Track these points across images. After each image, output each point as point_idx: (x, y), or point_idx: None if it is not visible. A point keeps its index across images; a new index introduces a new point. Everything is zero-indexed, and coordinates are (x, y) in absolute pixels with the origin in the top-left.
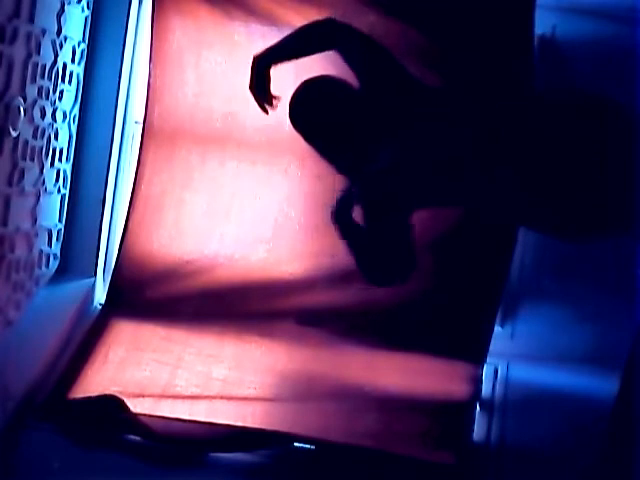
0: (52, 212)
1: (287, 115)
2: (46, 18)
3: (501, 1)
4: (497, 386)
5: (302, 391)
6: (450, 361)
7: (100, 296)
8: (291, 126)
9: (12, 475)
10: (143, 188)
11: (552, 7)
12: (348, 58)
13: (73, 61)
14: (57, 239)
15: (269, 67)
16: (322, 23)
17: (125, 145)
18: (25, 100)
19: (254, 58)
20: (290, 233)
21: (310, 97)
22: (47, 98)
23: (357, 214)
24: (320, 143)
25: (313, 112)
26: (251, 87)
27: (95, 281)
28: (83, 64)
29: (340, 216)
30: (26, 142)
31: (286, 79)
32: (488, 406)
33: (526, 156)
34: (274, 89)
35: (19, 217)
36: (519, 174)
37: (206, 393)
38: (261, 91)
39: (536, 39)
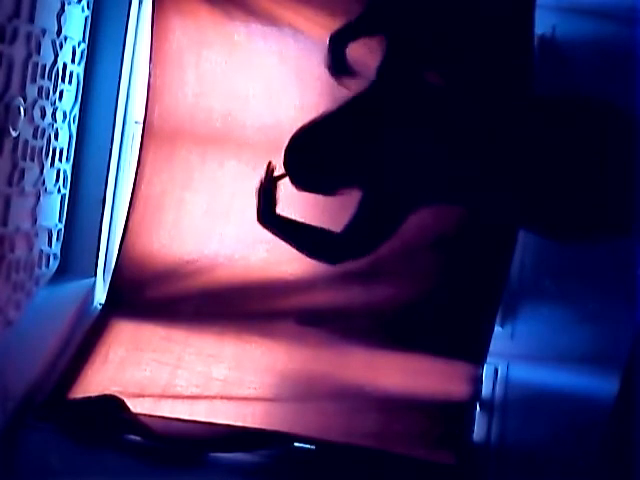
0: (52, 212)
1: (287, 115)
2: (46, 18)
3: (501, 1)
4: (497, 386)
5: (302, 391)
6: (450, 361)
7: (100, 296)
8: (291, 126)
9: (12, 475)
10: (143, 188)
11: (552, 7)
12: (391, 44)
13: (73, 61)
14: (57, 239)
15: (345, 45)
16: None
17: (125, 145)
18: (25, 100)
19: (330, 37)
20: None
21: (297, 160)
22: (47, 98)
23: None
24: (331, 184)
25: (307, 173)
26: (330, 67)
27: (95, 281)
28: (83, 64)
29: (268, 217)
30: (26, 142)
31: (287, 83)
32: (488, 406)
33: (526, 157)
34: (278, 93)
35: (19, 217)
36: (519, 174)
37: (206, 393)
38: (339, 67)
39: (536, 39)
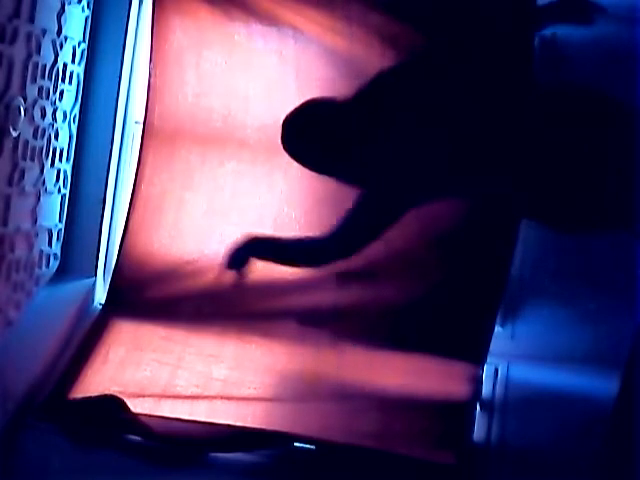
0: (52, 212)
1: (287, 115)
2: (46, 18)
3: (501, 1)
4: (497, 386)
5: (302, 391)
6: (450, 361)
7: (100, 296)
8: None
9: (12, 475)
10: (143, 188)
11: None
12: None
13: (73, 61)
14: (57, 239)
15: None
16: None
17: (125, 145)
18: (25, 100)
19: None
20: (290, 233)
21: (299, 128)
22: (47, 98)
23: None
24: (323, 161)
25: (307, 140)
26: None
27: (95, 281)
28: (83, 64)
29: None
30: (26, 142)
31: (287, 80)
32: (488, 406)
33: (526, 154)
34: (278, 93)
35: (19, 217)
36: (520, 171)
37: (206, 393)
38: None
39: (536, 39)
